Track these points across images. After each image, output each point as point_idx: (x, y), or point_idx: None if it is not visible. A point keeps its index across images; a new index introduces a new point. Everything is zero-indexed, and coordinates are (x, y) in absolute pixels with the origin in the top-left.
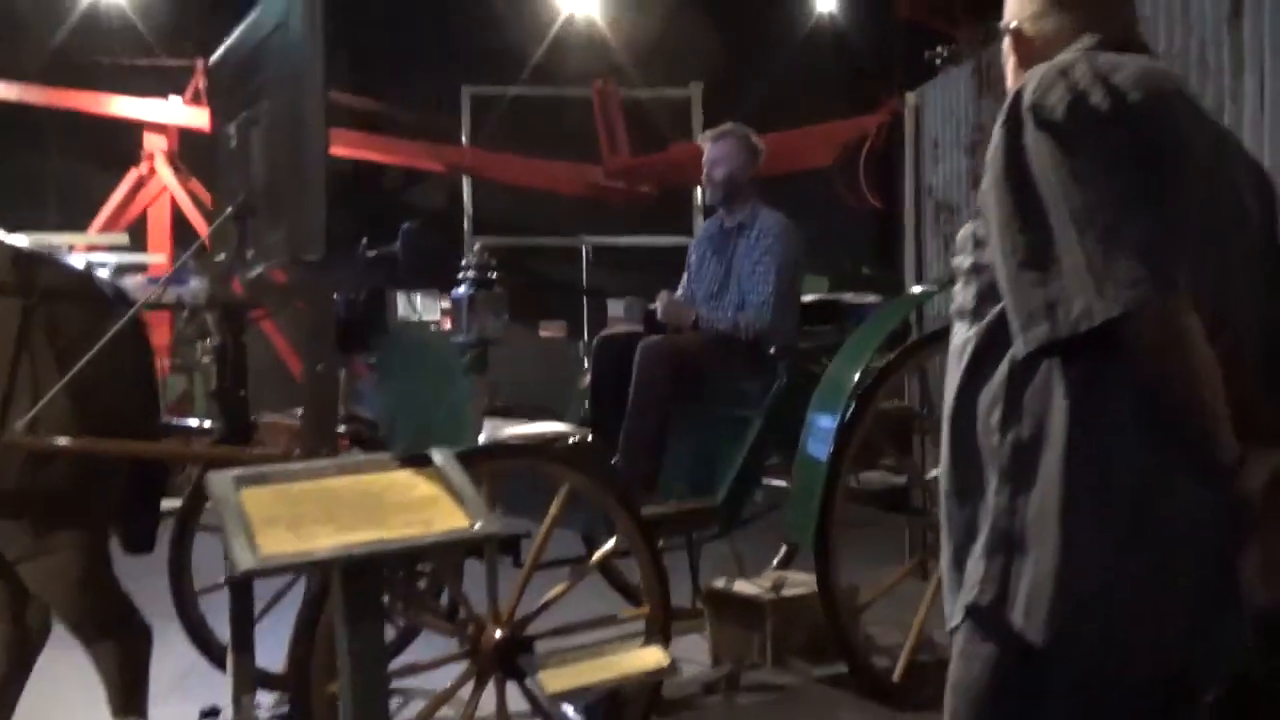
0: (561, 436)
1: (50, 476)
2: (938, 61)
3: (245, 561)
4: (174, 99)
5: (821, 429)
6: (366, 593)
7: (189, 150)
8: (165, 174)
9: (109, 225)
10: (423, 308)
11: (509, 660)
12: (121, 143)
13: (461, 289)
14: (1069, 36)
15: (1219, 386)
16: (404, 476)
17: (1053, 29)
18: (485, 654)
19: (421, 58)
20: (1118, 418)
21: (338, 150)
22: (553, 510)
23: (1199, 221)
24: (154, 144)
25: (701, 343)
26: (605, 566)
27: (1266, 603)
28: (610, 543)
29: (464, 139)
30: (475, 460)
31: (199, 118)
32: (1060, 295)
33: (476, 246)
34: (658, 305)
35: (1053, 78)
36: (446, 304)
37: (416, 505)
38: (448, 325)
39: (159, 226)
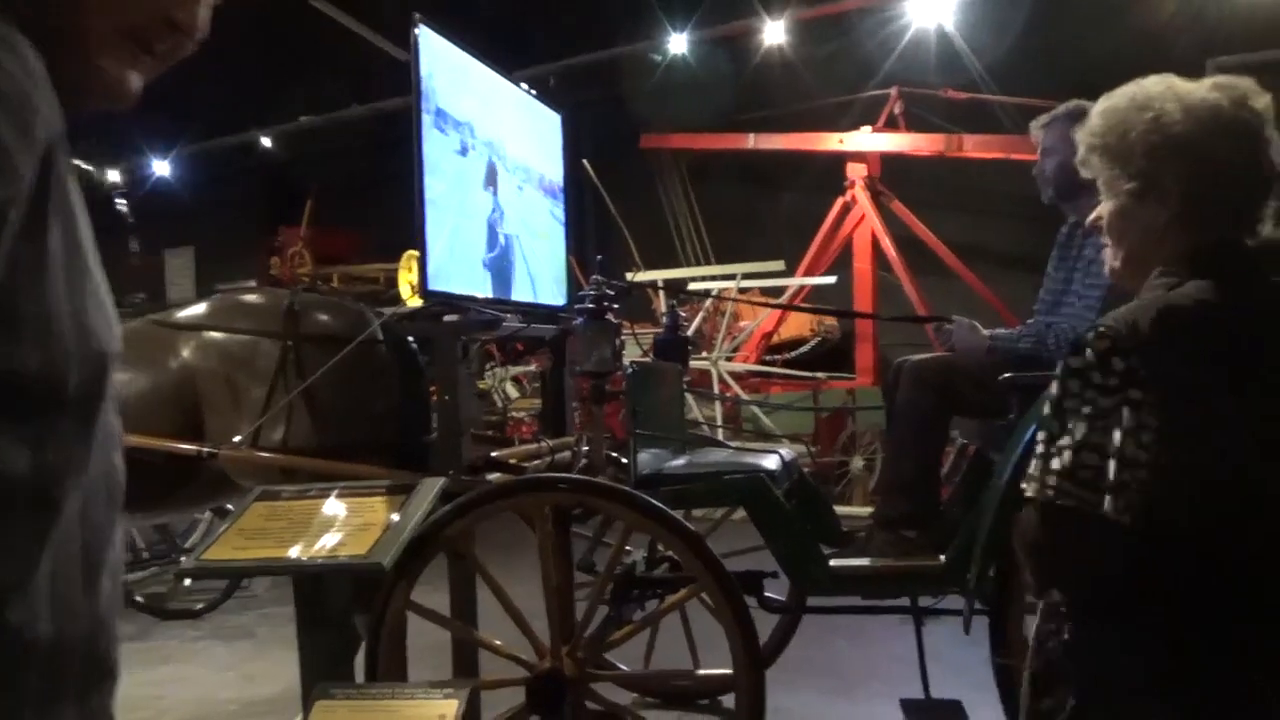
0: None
1: None
2: None
3: (186, 565)
4: (865, 129)
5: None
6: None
7: (889, 175)
8: (863, 200)
9: (821, 248)
10: None
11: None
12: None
13: (578, 320)
14: None
15: None
16: (374, 502)
17: None
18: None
19: None
20: None
21: None
22: (613, 550)
23: None
24: (855, 172)
25: (981, 362)
26: None
27: None
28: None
29: None
30: (499, 495)
31: (891, 143)
32: None
33: (594, 277)
34: (950, 331)
35: None
36: None
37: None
38: None
39: (862, 248)
